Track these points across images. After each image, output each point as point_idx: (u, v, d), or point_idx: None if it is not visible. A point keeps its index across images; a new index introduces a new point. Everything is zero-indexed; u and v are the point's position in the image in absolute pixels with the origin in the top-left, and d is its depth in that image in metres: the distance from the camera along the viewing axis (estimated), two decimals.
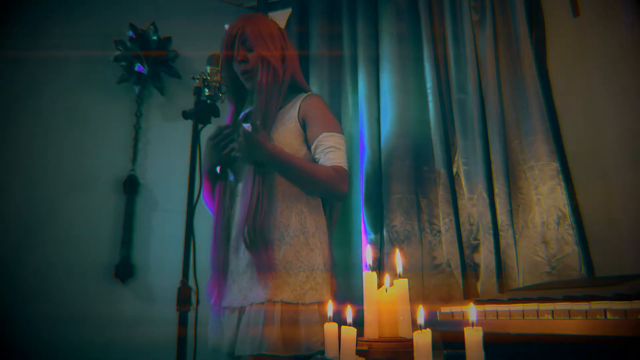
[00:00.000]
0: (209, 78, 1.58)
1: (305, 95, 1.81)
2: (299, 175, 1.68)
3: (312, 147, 1.72)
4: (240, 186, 1.75)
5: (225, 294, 1.71)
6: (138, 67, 2.49)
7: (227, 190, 1.78)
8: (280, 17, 1.87)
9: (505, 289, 1.76)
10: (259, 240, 1.60)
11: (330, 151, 1.69)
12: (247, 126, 1.63)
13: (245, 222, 1.62)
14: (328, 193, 1.73)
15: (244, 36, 1.78)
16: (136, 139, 2.47)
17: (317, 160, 1.73)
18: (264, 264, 1.61)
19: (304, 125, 1.76)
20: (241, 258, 1.68)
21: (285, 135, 1.73)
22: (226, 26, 1.84)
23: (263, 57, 1.76)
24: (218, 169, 1.79)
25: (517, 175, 1.84)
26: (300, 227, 1.68)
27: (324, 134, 1.71)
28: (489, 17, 1.98)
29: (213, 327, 1.74)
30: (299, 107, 1.77)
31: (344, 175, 1.70)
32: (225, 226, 1.74)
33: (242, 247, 1.66)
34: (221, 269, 1.72)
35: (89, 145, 2.39)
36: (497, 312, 1.44)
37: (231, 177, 1.81)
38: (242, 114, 1.86)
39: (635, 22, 1.64)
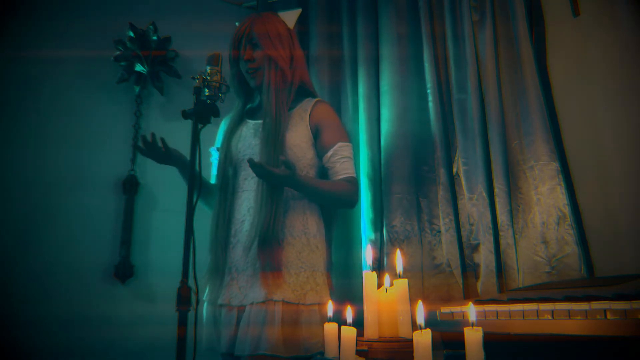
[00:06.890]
0: (208, 78, 1.58)
1: (316, 100, 1.84)
2: (321, 196, 1.74)
3: (327, 154, 1.76)
4: (242, 182, 1.75)
5: (222, 291, 1.70)
6: (138, 67, 2.49)
7: (228, 187, 1.78)
8: (290, 17, 1.88)
9: (505, 289, 1.76)
10: (273, 242, 1.62)
11: (345, 161, 1.76)
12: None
13: (264, 224, 1.62)
14: (342, 205, 1.84)
15: (251, 35, 1.79)
16: (136, 139, 2.47)
17: (329, 167, 1.76)
18: (271, 264, 1.62)
19: (314, 130, 1.78)
20: (245, 256, 1.67)
21: (296, 137, 1.75)
22: (237, 24, 1.85)
23: (269, 56, 1.77)
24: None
25: (517, 175, 1.84)
26: (302, 228, 1.70)
27: (341, 144, 1.77)
28: (489, 17, 1.98)
29: (208, 326, 1.72)
30: (310, 113, 1.79)
31: (357, 186, 1.78)
32: (227, 222, 1.74)
33: (248, 245, 1.66)
34: (220, 266, 1.72)
35: (89, 145, 2.38)
36: (497, 312, 1.44)
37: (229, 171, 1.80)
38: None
39: (635, 22, 1.64)
